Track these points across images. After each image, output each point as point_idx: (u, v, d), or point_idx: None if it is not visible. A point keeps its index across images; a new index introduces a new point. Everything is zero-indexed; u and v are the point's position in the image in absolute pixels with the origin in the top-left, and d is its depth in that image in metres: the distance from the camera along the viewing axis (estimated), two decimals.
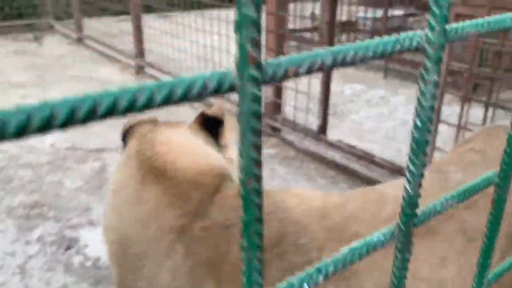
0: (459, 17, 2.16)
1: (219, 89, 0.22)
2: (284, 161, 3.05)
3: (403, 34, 0.28)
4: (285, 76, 0.24)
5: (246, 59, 0.22)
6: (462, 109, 2.19)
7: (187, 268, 0.97)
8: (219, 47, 3.79)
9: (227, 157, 1.21)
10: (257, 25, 0.22)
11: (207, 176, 1.04)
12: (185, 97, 0.21)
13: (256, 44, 0.23)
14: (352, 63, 0.26)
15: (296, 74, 0.25)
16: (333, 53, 0.25)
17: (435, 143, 2.39)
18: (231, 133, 1.25)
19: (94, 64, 5.41)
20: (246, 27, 0.22)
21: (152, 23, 4.80)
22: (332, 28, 2.81)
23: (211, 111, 1.23)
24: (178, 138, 1.14)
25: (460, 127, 2.21)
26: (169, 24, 4.50)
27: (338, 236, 0.90)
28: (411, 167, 0.29)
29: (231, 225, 0.95)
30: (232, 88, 0.23)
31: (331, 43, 2.84)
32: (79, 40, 6.36)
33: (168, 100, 0.21)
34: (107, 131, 3.52)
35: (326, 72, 2.89)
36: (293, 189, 1.07)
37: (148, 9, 5.01)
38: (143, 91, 0.20)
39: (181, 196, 1.01)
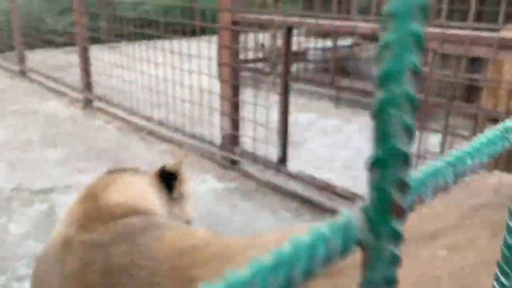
0: None
1: (344, 251, 0.16)
2: (246, 195, 2.97)
3: (504, 125, 0.23)
4: (412, 209, 0.19)
5: (387, 209, 0.17)
6: (420, 138, 2.23)
7: (57, 277, 1.05)
8: (172, 79, 3.71)
9: (175, 211, 1.31)
10: (407, 160, 0.16)
11: (122, 208, 1.14)
12: (307, 274, 0.15)
13: (403, 188, 0.17)
14: (472, 172, 0.21)
15: (423, 202, 0.19)
16: (453, 167, 0.20)
17: None
18: (185, 187, 1.36)
19: (38, 98, 5.15)
20: (393, 165, 0.16)
21: (99, 55, 4.65)
22: (288, 60, 2.82)
23: (169, 166, 1.33)
24: (132, 182, 1.26)
25: (419, 155, 2.24)
26: (119, 56, 4.38)
27: (174, 276, 0.93)
28: None
29: (103, 245, 1.02)
30: (357, 245, 0.16)
31: (287, 74, 2.84)
32: (22, 73, 6.07)
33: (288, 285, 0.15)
34: (54, 170, 3.31)
35: (284, 102, 2.88)
36: (200, 231, 1.13)
37: (95, 40, 4.86)
38: (257, 280, 0.14)
39: (91, 216, 1.12)
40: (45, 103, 4.99)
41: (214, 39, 3.43)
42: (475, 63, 3.70)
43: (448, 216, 0.97)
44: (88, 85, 4.69)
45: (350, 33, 2.32)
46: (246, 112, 3.39)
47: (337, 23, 2.49)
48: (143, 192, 1.26)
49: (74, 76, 5.08)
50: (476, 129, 2.11)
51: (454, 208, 0.99)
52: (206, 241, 1.02)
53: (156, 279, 0.93)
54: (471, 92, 3.79)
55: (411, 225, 0.98)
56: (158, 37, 3.88)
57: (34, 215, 2.69)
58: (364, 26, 2.35)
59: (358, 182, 3.26)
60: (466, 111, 2.28)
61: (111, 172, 1.33)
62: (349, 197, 2.62)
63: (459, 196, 1.01)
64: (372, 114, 0.18)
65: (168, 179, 1.34)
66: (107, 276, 0.97)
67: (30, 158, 3.53)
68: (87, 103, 4.76)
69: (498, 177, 1.06)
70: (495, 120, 3.19)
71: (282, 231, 1.04)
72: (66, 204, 2.30)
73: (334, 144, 4.06)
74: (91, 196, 1.20)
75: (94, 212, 1.13)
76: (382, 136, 0.17)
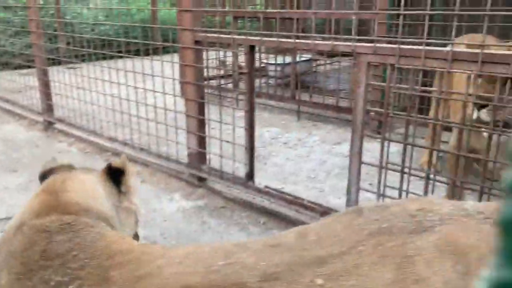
0: (370, 65, 2.33)
1: None
2: (214, 212, 2.99)
3: None
4: None
5: None
6: (382, 150, 2.32)
7: (4, 254, 1.15)
8: (135, 98, 3.70)
9: (125, 204, 1.45)
10: None
11: (77, 206, 1.28)
12: None
13: None
14: None
15: None
16: None
17: (359, 183, 2.49)
18: (130, 181, 1.50)
19: None
20: None
21: (59, 76, 4.57)
22: (252, 78, 2.89)
23: (115, 163, 1.46)
24: (84, 179, 1.42)
25: (382, 167, 2.34)
26: (80, 77, 4.32)
27: (96, 274, 1.07)
28: None
29: (49, 231, 1.15)
30: None
31: (251, 92, 2.90)
32: None
33: None
34: (13, 197, 3.22)
35: (250, 119, 2.93)
36: (132, 240, 1.26)
37: (54, 62, 4.77)
38: None
39: (48, 207, 1.25)
40: (3, 126, 4.84)
41: (175, 57, 3.44)
42: (428, 75, 3.90)
43: (344, 240, 1.02)
44: (48, 107, 4.60)
45: (309, 50, 2.41)
46: (211, 129, 3.42)
47: (298, 41, 2.57)
48: (95, 190, 1.40)
49: (33, 98, 4.97)
50: (434, 138, 2.24)
51: (354, 231, 1.04)
52: (131, 247, 1.14)
53: (82, 273, 1.06)
54: (423, 102, 4.00)
55: (303, 248, 1.05)
56: (120, 57, 3.87)
57: None
58: (323, 43, 2.45)
59: (324, 193, 3.34)
60: (423, 121, 2.40)
61: (55, 170, 1.51)
62: (317, 209, 2.68)
63: (369, 219, 1.06)
64: (500, 227, 0.15)
65: (115, 175, 1.48)
66: (45, 259, 1.09)
67: None
68: (48, 126, 4.66)
69: (421, 203, 1.10)
70: (448, 129, 3.36)
71: (194, 245, 1.16)
72: None
73: (298, 156, 4.14)
74: (50, 191, 1.33)
75: (51, 205, 1.27)
76: None
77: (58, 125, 4.64)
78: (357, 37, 2.30)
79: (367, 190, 2.49)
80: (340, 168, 3.86)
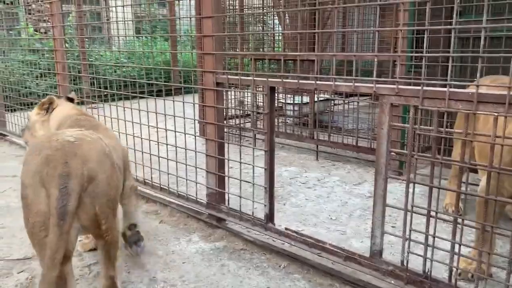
0: (392, 106, 2.31)
1: None
2: (234, 255, 2.92)
3: None
4: None
5: None
6: (407, 193, 2.27)
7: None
8: (156, 138, 3.72)
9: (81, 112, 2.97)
10: None
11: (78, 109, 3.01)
12: None
13: None
14: None
15: None
16: None
17: (384, 226, 2.42)
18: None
19: (19, 162, 5.07)
20: None
21: None
22: (272, 119, 2.88)
23: (69, 96, 3.18)
24: (66, 104, 3.06)
25: (407, 210, 2.27)
26: (101, 117, 4.38)
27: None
28: None
29: (75, 118, 2.78)
30: None
31: (272, 132, 2.89)
32: (2, 136, 5.99)
33: None
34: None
35: (270, 159, 2.91)
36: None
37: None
38: None
39: (77, 111, 2.95)
40: None
41: (195, 97, 3.47)
42: (449, 115, 3.86)
43: None
44: None
45: (327, 90, 2.42)
46: (230, 169, 3.40)
47: (319, 82, 2.58)
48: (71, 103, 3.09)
49: None
50: (460, 180, 2.18)
51: None
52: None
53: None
54: (446, 142, 3.94)
55: None
56: (141, 97, 3.92)
57: (12, 287, 2.58)
58: (345, 84, 2.45)
59: (346, 236, 3.26)
60: (449, 163, 2.35)
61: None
62: (339, 254, 2.60)
63: None
64: None
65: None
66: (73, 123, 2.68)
67: (8, 225, 3.42)
68: None
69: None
70: (474, 171, 3.28)
71: None
72: None
73: (318, 197, 4.08)
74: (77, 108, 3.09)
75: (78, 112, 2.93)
76: None
77: None
78: (380, 79, 2.29)
79: (392, 234, 2.42)
80: (362, 210, 3.78)
